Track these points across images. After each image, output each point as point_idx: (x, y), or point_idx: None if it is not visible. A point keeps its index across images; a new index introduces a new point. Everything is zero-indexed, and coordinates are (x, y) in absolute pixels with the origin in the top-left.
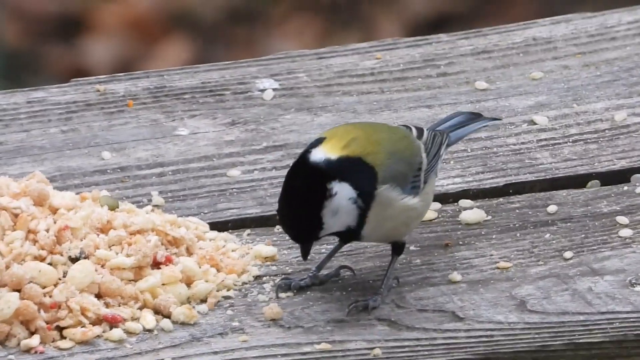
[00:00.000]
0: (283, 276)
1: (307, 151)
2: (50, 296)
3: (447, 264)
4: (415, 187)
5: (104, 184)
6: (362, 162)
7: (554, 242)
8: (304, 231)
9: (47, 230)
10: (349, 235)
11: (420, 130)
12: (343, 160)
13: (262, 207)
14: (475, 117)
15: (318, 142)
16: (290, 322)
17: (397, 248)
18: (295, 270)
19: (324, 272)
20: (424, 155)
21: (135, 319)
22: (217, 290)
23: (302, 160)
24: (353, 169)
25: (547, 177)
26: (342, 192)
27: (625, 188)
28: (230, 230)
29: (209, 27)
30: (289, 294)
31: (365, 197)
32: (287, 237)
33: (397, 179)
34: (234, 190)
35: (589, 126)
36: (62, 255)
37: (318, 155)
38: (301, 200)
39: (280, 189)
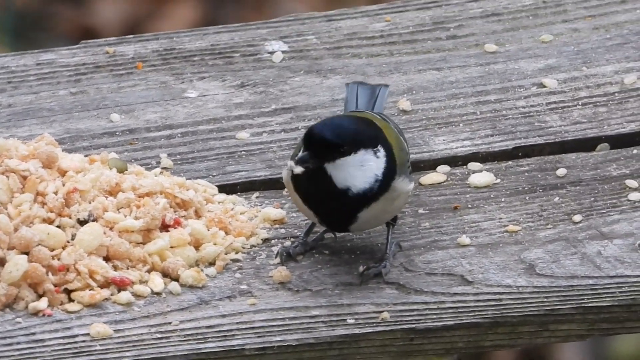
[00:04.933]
0: (280, 246)
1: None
2: (59, 259)
3: (456, 227)
4: (410, 170)
5: (112, 146)
6: (392, 153)
7: (563, 205)
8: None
9: (56, 193)
10: (343, 217)
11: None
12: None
13: (270, 170)
14: (369, 88)
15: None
16: (299, 286)
17: (392, 220)
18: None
19: (311, 237)
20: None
21: (143, 282)
22: (226, 253)
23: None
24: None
25: (557, 140)
26: (381, 154)
27: (635, 151)
28: (238, 193)
29: None
30: (293, 263)
31: (386, 177)
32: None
33: (404, 167)
34: (243, 152)
35: (599, 89)
36: (70, 217)
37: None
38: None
39: (288, 152)
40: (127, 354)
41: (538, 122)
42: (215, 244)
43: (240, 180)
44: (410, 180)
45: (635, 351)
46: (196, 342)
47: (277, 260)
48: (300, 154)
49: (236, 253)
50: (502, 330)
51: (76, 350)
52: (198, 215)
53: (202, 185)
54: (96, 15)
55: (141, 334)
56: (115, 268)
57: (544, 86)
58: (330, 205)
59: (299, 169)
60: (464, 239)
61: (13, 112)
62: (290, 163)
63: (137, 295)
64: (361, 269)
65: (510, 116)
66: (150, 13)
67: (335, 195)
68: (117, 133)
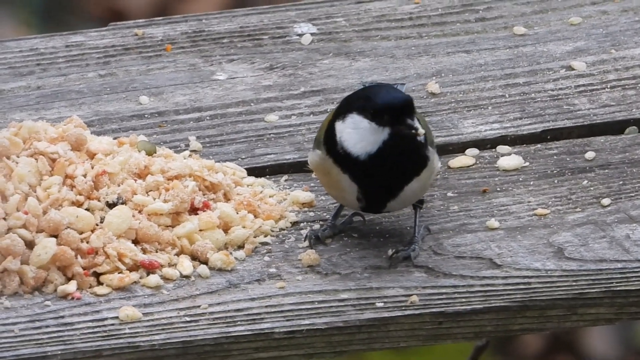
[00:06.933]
0: (309, 229)
1: None
2: (88, 242)
3: (485, 210)
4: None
5: (141, 128)
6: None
7: (591, 188)
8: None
9: (85, 176)
10: (381, 195)
11: None
12: None
13: (299, 153)
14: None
15: None
16: (328, 269)
17: (419, 202)
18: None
19: (339, 220)
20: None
21: (172, 265)
22: (255, 237)
23: None
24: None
25: (585, 123)
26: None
27: None
28: (267, 176)
29: None
30: (321, 246)
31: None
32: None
33: (433, 145)
34: (272, 135)
35: (627, 72)
36: (99, 200)
37: None
38: None
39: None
40: (156, 337)
41: (567, 105)
42: (244, 227)
43: (269, 163)
44: (438, 159)
45: None
46: (225, 325)
47: (306, 243)
48: (410, 121)
49: (265, 236)
50: (531, 314)
51: (105, 334)
52: (227, 198)
53: (231, 168)
54: None
55: (170, 317)
56: (144, 251)
57: (573, 69)
58: (391, 174)
59: (422, 131)
60: (493, 223)
61: (42, 95)
62: (419, 127)
63: (166, 279)
64: (390, 252)
65: (539, 99)
66: None
67: (412, 161)
68: (146, 115)
